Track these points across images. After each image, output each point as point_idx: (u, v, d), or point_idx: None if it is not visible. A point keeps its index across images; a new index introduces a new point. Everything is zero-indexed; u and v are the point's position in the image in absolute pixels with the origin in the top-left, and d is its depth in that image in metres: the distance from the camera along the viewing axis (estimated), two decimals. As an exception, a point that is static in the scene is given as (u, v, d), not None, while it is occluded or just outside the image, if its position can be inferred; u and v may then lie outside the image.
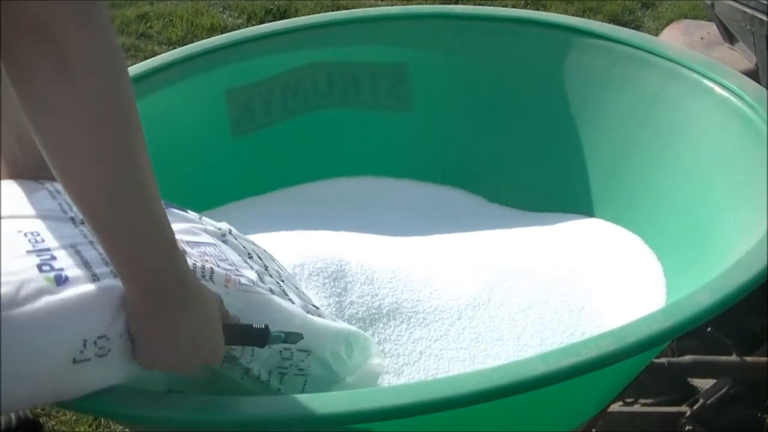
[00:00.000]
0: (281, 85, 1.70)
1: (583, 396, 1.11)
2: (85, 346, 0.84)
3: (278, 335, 1.00)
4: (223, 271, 0.99)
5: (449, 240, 1.50)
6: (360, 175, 1.73)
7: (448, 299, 1.26)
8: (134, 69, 1.67)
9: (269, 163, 1.71)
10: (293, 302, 1.08)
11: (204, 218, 1.16)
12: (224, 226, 1.16)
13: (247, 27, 3.73)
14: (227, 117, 1.69)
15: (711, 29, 1.96)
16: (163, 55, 1.72)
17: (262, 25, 1.82)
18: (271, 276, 1.12)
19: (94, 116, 0.71)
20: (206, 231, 1.11)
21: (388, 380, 1.17)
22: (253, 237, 1.41)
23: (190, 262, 0.92)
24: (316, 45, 1.72)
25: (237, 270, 1.05)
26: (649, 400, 1.71)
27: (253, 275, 1.06)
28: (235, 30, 3.75)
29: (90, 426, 2.00)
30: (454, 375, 1.00)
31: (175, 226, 0.92)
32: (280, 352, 1.03)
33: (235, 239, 1.15)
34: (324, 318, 1.12)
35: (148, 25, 4.03)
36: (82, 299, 0.84)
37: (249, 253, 1.14)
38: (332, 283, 1.25)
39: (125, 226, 0.78)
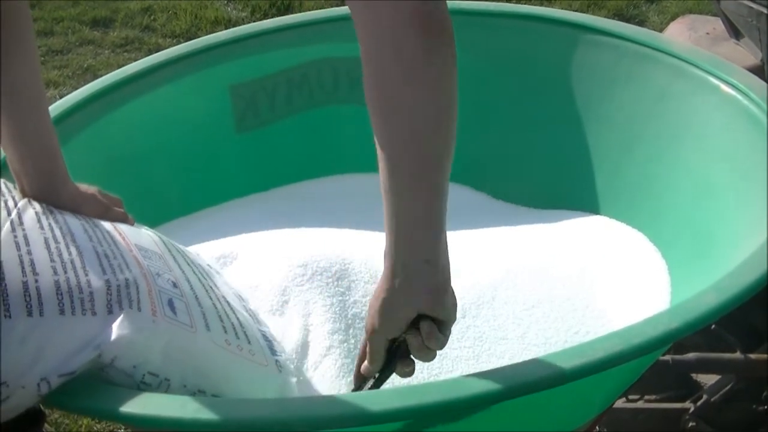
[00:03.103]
0: (286, 81, 1.70)
1: (587, 396, 1.11)
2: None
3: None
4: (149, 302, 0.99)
5: (453, 237, 1.48)
6: (365, 172, 1.73)
7: (452, 297, 1.26)
8: (139, 64, 1.66)
9: (273, 159, 1.70)
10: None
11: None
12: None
13: (251, 20, 3.73)
14: (232, 113, 1.68)
15: (717, 25, 1.95)
16: (167, 50, 1.72)
17: (267, 21, 1.81)
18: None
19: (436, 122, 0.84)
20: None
21: (391, 380, 1.16)
22: (255, 235, 1.41)
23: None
24: (321, 40, 1.71)
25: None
26: (653, 397, 1.71)
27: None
28: (239, 23, 3.75)
29: (93, 419, 2.00)
30: (459, 377, 0.99)
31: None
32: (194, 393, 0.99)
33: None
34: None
35: (152, 17, 4.03)
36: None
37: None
38: (335, 283, 1.24)
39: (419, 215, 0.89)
